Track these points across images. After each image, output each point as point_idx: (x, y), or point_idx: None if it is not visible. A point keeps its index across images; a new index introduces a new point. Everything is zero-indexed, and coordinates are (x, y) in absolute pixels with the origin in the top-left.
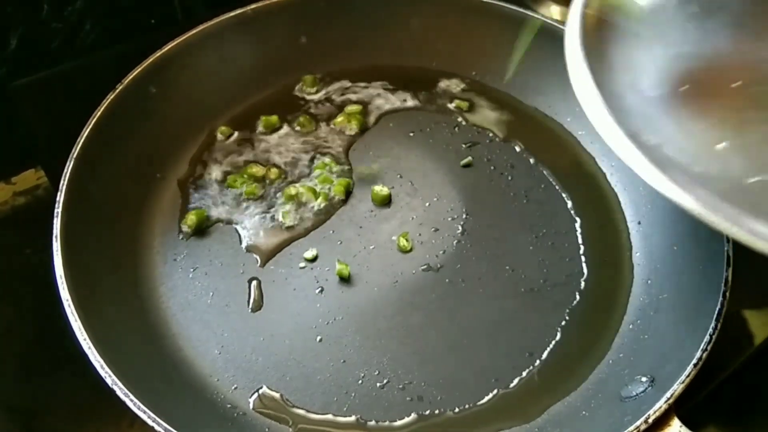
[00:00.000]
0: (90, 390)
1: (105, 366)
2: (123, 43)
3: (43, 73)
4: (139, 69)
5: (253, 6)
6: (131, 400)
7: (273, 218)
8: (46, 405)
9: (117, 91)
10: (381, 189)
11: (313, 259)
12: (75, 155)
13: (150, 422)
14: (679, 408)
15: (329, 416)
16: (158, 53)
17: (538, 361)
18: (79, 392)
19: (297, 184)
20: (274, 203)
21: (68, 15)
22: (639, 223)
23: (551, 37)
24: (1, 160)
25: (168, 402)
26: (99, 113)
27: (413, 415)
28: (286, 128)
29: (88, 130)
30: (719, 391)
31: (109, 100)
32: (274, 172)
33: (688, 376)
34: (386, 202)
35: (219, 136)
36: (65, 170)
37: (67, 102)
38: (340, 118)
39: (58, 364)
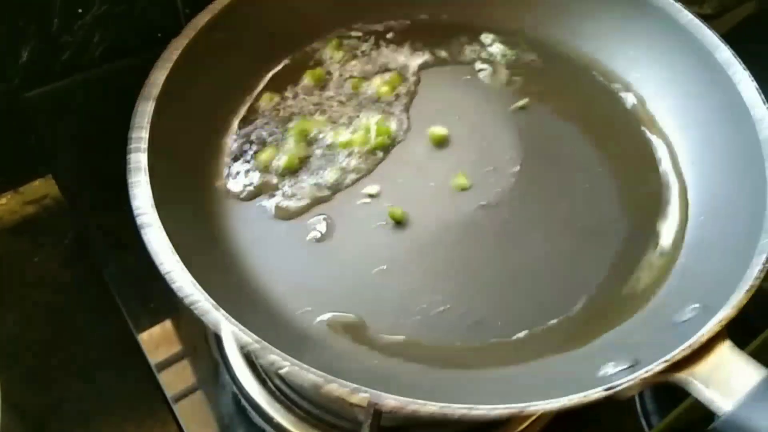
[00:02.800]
0: (97, 394)
1: (196, 284)
2: (131, 56)
3: (54, 85)
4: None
5: None
6: (222, 314)
7: (334, 160)
8: (55, 408)
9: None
10: (439, 129)
11: (376, 195)
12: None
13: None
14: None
15: (400, 336)
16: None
17: (592, 292)
18: (86, 396)
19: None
20: (334, 150)
21: (78, 29)
22: (692, 163)
23: None
24: (11, 170)
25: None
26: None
27: (473, 338)
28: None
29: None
30: None
31: (182, 46)
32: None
33: (739, 300)
34: (443, 142)
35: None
36: (148, 108)
37: (77, 113)
38: (383, 88)
39: (66, 369)
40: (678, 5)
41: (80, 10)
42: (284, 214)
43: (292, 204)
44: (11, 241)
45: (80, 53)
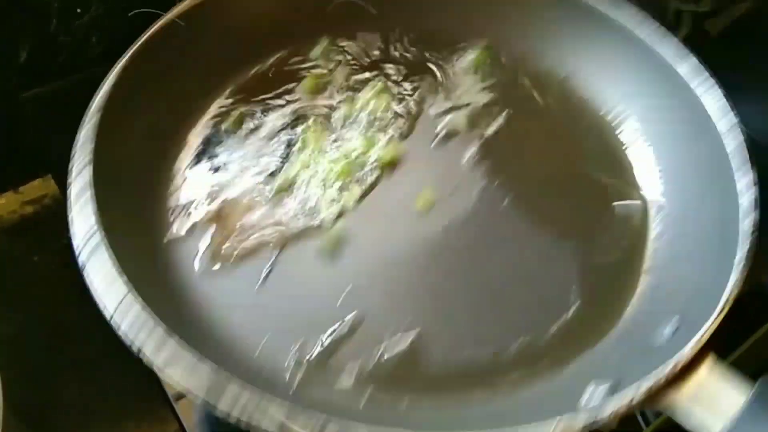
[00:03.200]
0: (98, 393)
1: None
2: None
3: (52, 85)
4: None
5: None
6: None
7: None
8: (55, 407)
9: (154, 27)
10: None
11: (337, 221)
12: (102, 106)
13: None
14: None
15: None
16: None
17: (566, 311)
18: (85, 395)
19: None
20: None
21: (76, 29)
22: (660, 171)
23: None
24: (10, 170)
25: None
26: (136, 47)
27: (444, 364)
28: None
29: (118, 70)
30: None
31: (140, 42)
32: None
33: (717, 317)
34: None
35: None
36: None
37: (76, 113)
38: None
39: (66, 368)
40: (640, 17)
41: (79, 10)
42: (235, 254)
43: (243, 242)
44: (10, 240)
45: (78, 53)
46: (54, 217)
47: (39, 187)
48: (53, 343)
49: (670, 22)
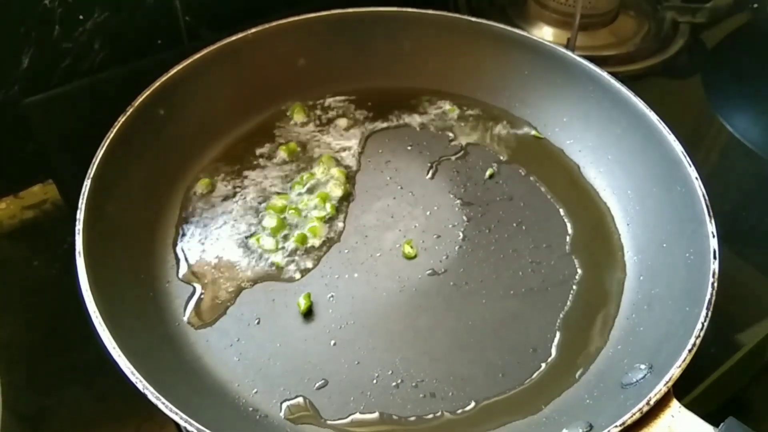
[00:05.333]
0: (95, 397)
1: (135, 372)
2: (131, 63)
3: (54, 91)
4: (148, 92)
5: (253, 30)
6: (163, 404)
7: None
8: (53, 411)
9: (128, 113)
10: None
11: (310, 271)
12: (91, 176)
13: (182, 423)
14: (680, 397)
15: (351, 416)
16: (164, 77)
17: (541, 356)
18: (84, 399)
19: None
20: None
21: (78, 35)
22: (628, 224)
23: (542, 56)
24: (11, 175)
25: (195, 405)
26: (111, 135)
27: (427, 411)
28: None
29: (102, 151)
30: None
31: (121, 122)
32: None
33: (684, 360)
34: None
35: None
36: (83, 190)
37: (78, 119)
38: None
39: (65, 373)
40: (607, 76)
41: (81, 17)
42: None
43: (229, 289)
44: (11, 245)
45: (81, 60)
46: (54, 223)
47: (39, 192)
48: (53, 346)
49: (668, 33)
